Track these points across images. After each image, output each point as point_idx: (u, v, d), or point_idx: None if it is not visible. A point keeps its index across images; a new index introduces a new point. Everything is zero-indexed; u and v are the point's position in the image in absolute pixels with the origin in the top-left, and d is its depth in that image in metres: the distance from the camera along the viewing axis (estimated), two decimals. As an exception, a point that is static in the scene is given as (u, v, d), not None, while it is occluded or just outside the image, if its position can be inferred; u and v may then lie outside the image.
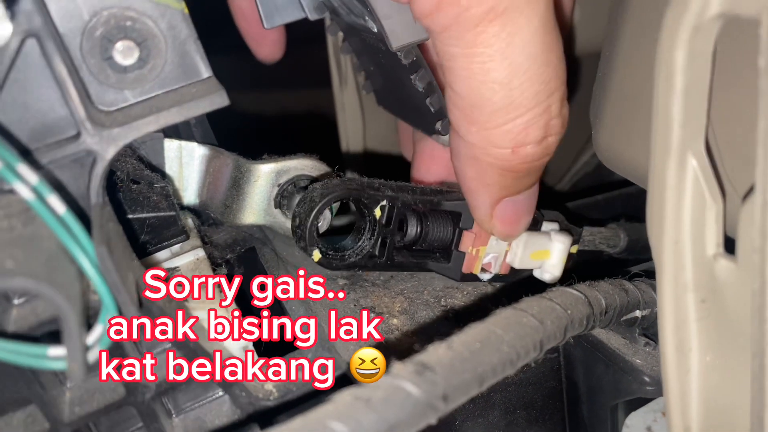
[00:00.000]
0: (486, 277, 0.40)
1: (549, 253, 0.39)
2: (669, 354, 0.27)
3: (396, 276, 0.43)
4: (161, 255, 0.34)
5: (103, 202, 0.25)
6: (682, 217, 0.25)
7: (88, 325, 0.23)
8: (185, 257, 0.35)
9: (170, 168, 0.39)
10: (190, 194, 0.40)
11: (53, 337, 0.25)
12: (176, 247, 0.35)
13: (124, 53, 0.25)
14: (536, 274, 0.41)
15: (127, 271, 0.24)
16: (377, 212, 0.36)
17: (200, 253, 0.35)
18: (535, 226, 0.40)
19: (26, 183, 0.21)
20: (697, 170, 0.24)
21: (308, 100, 0.75)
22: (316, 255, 0.35)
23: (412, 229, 0.38)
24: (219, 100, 0.26)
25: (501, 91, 0.29)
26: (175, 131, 0.42)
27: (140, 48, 0.26)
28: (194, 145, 0.39)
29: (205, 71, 0.27)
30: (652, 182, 0.25)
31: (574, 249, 0.41)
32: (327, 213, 0.39)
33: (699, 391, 0.27)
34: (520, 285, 0.42)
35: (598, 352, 0.36)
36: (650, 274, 0.36)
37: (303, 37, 0.52)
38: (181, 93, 0.26)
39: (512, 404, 0.38)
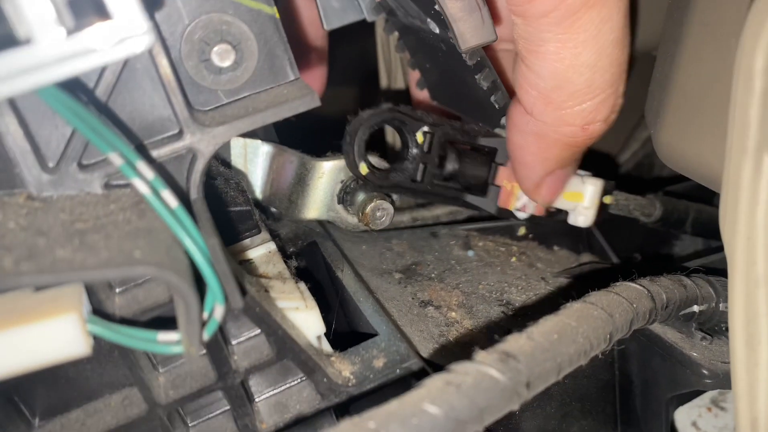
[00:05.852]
0: (522, 215, 0.42)
1: (582, 196, 0.41)
2: (738, 348, 0.27)
3: (450, 270, 0.45)
4: (236, 248, 0.36)
5: (202, 197, 0.26)
6: (755, 214, 0.26)
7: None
8: (258, 250, 0.36)
9: (235, 164, 0.40)
10: (254, 190, 0.41)
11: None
12: (247, 241, 0.37)
13: (221, 56, 0.27)
14: (570, 220, 0.42)
15: (229, 262, 0.25)
16: (419, 137, 0.39)
17: (272, 246, 0.36)
18: None
19: (144, 179, 0.23)
20: (773, 170, 0.25)
21: (344, 100, 0.76)
22: (363, 168, 0.38)
23: (451, 164, 0.40)
24: (311, 101, 0.27)
25: (586, 74, 0.31)
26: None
27: (235, 50, 0.27)
28: (258, 142, 0.41)
29: (291, 74, 0.28)
30: (727, 180, 0.26)
31: (608, 200, 0.42)
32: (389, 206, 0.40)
33: (767, 383, 0.28)
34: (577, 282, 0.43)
35: (654, 346, 0.37)
36: (708, 271, 0.37)
37: (345, 40, 0.53)
38: (272, 94, 0.28)
39: (568, 396, 0.39)
